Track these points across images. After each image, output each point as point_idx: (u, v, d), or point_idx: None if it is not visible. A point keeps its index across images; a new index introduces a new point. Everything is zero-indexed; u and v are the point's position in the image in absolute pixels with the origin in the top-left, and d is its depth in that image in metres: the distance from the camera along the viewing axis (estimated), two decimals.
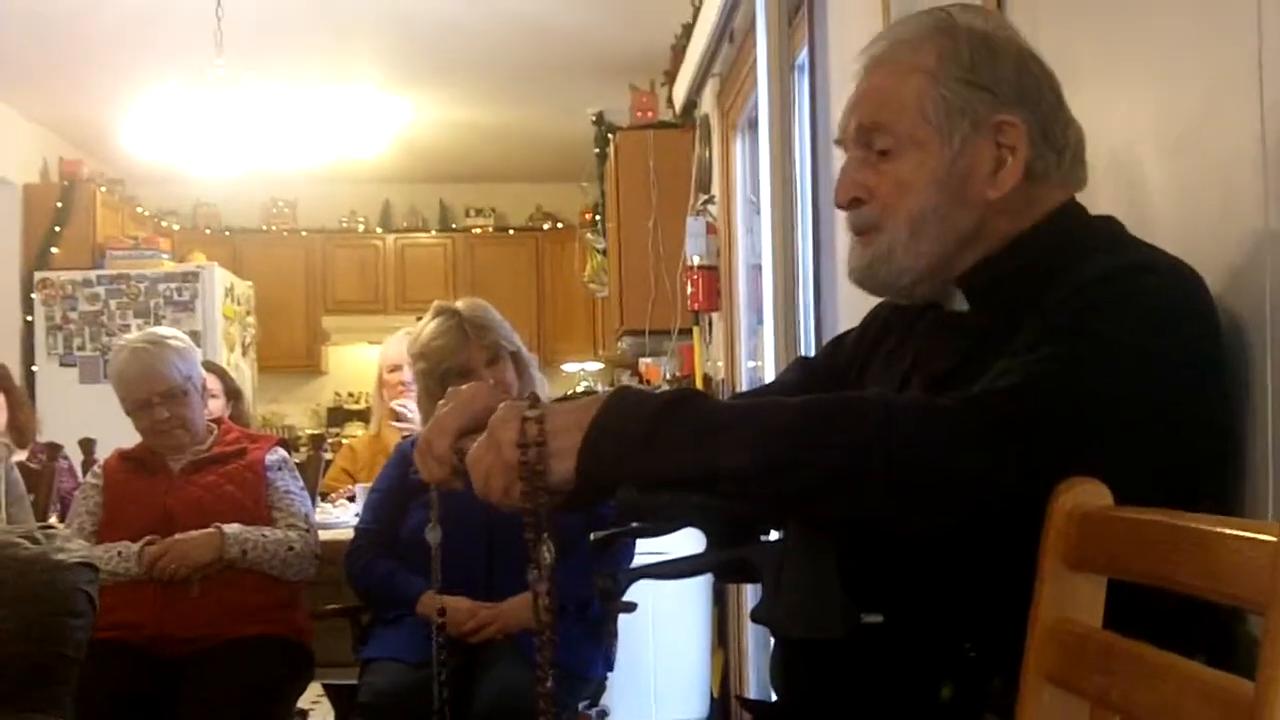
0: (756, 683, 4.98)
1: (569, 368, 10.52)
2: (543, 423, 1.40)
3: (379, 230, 11.17)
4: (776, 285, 4.24)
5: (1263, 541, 1.01)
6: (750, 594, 4.52)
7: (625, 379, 8.36)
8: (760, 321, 4.73)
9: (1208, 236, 1.62)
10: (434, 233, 11.18)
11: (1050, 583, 1.29)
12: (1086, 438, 1.36)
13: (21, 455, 4.65)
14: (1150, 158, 1.77)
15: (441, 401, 1.60)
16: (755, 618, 1.48)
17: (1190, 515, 1.15)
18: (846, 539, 1.44)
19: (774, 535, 1.52)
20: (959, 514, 1.35)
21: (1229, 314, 1.51)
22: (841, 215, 1.72)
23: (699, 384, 6.22)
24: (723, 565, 1.55)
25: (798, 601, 1.43)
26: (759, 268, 4.70)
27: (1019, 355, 1.42)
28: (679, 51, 6.49)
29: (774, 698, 1.74)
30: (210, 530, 3.65)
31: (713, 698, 5.52)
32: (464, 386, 1.61)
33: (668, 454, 1.37)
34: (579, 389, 8.01)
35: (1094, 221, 1.64)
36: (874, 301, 1.90)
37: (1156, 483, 1.31)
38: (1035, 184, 1.60)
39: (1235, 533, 1.07)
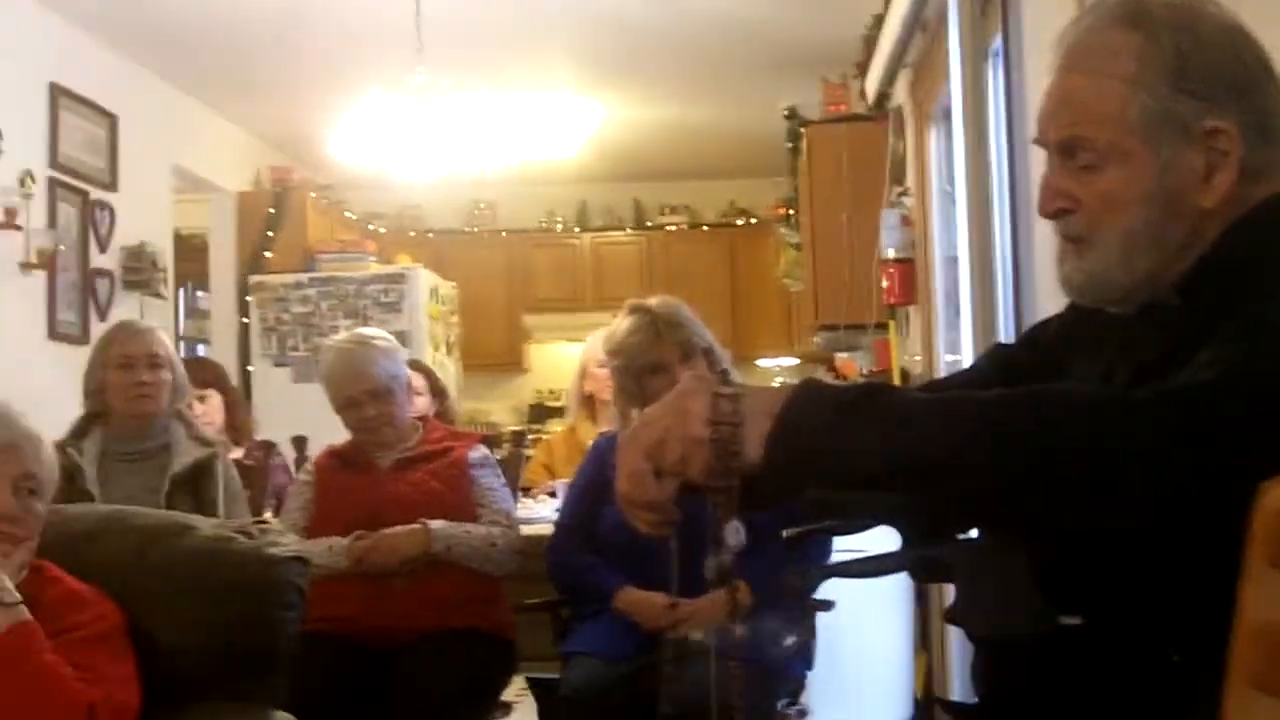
0: (960, 685, 4.91)
1: (764, 363, 10.51)
2: (737, 403, 1.39)
3: (576, 229, 11.31)
4: (973, 278, 4.19)
5: None
6: (952, 594, 4.45)
7: (821, 374, 8.32)
8: (958, 314, 4.68)
9: None
10: (629, 231, 11.28)
11: (1255, 585, 1.23)
12: None
13: (238, 453, 4.82)
14: None
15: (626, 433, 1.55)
16: (949, 618, 1.47)
17: None
18: (1042, 536, 1.41)
19: (972, 534, 1.51)
20: (1156, 512, 1.31)
21: None
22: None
23: (896, 378, 6.17)
24: (916, 564, 1.52)
25: (991, 602, 1.41)
26: (956, 260, 4.65)
27: (1222, 347, 1.38)
28: (870, 42, 6.44)
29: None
30: (416, 526, 3.74)
31: (916, 700, 5.46)
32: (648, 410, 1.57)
33: (856, 447, 1.35)
34: (774, 385, 7.99)
35: None
36: None
37: None
38: (1251, 181, 1.53)
39: None
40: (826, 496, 1.40)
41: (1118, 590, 1.44)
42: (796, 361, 10.03)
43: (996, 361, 1.91)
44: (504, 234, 11.22)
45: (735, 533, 1.41)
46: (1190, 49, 1.51)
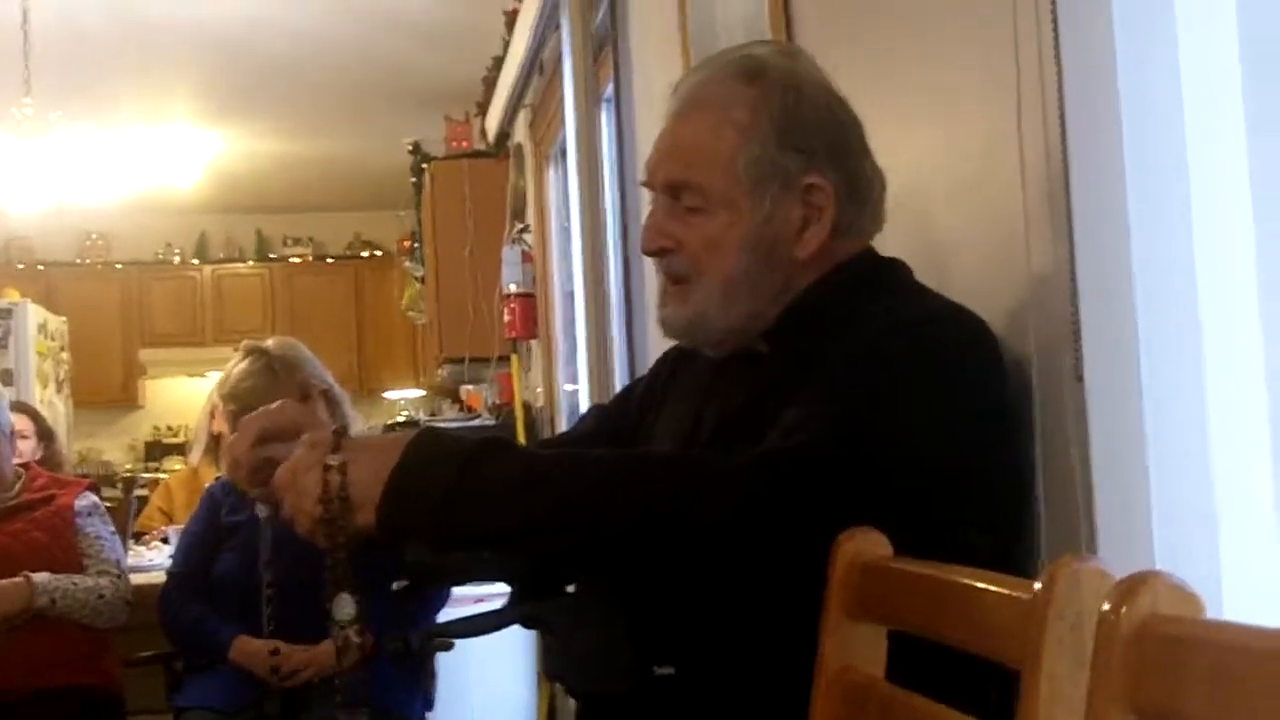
0: None
1: (391, 395, 10.45)
2: (345, 473, 1.41)
3: (195, 261, 11.01)
4: (588, 311, 4.31)
5: (1018, 599, 1.03)
6: None
7: (447, 406, 8.34)
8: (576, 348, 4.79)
9: (987, 280, 1.68)
10: (251, 263, 11.06)
11: (833, 633, 1.31)
12: (875, 494, 1.39)
13: None
14: (936, 203, 1.84)
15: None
16: (548, 673, 1.50)
17: (957, 569, 1.17)
18: (638, 592, 1.46)
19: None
20: (752, 571, 1.38)
21: (1011, 357, 1.55)
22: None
23: (518, 410, 6.24)
24: (521, 619, 1.54)
25: (586, 656, 1.44)
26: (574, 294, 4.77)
27: (807, 406, 1.44)
28: (491, 83, 6.52)
29: None
30: (18, 580, 3.56)
31: None
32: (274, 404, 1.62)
33: (468, 510, 1.39)
34: (400, 418, 7.97)
35: (882, 264, 1.67)
36: None
37: (949, 533, 1.37)
38: (839, 238, 1.61)
39: (993, 589, 1.09)
40: (429, 561, 1.41)
41: (709, 642, 1.50)
42: (423, 394, 10.02)
43: (598, 420, 1.97)
44: (119, 266, 10.83)
45: (345, 605, 1.45)
46: (795, 107, 1.59)
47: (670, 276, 1.67)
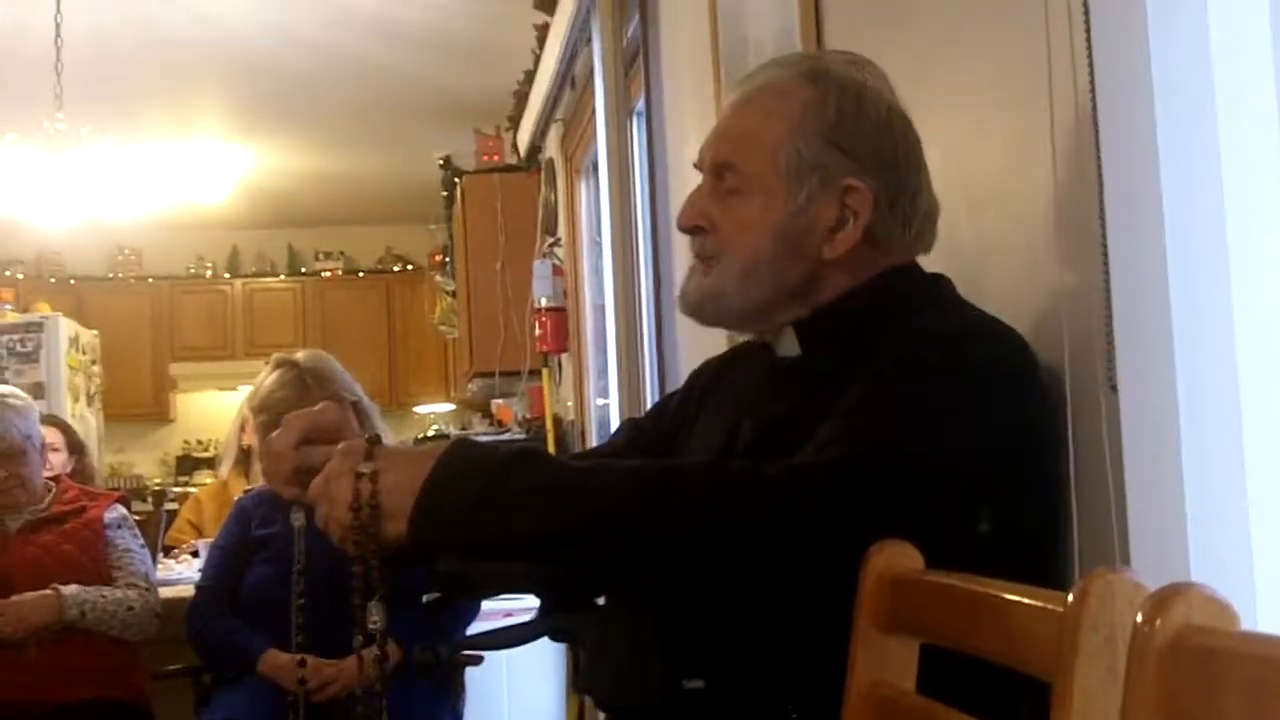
0: None
1: (421, 410, 10.47)
2: (376, 481, 1.40)
3: (227, 275, 11.07)
4: (619, 325, 4.31)
5: (1051, 611, 1.02)
6: None
7: (477, 421, 8.35)
8: (608, 361, 4.79)
9: (1018, 288, 1.68)
10: (283, 277, 11.11)
11: (864, 646, 1.30)
12: (908, 507, 1.38)
13: None
14: (967, 211, 1.83)
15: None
16: (578, 687, 1.49)
17: (989, 582, 1.16)
18: (668, 604, 1.46)
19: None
20: (786, 583, 1.37)
21: (1045, 368, 1.54)
22: (681, 243, 1.75)
23: (549, 425, 6.25)
24: (551, 631, 1.53)
25: (616, 669, 1.43)
26: (604, 308, 4.77)
27: (845, 419, 1.44)
28: (522, 97, 6.53)
29: None
30: (48, 591, 3.57)
31: None
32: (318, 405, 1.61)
33: (500, 519, 1.37)
34: (430, 433, 7.97)
35: (925, 279, 1.67)
36: (710, 336, 1.93)
37: (982, 546, 1.36)
38: (875, 248, 1.61)
39: (1025, 601, 1.08)
40: (460, 571, 1.40)
41: (739, 654, 1.49)
42: (453, 408, 10.03)
43: (630, 435, 1.96)
44: (150, 280, 10.90)
45: (375, 614, 1.43)
46: (850, 112, 1.60)
47: (699, 255, 1.69)
